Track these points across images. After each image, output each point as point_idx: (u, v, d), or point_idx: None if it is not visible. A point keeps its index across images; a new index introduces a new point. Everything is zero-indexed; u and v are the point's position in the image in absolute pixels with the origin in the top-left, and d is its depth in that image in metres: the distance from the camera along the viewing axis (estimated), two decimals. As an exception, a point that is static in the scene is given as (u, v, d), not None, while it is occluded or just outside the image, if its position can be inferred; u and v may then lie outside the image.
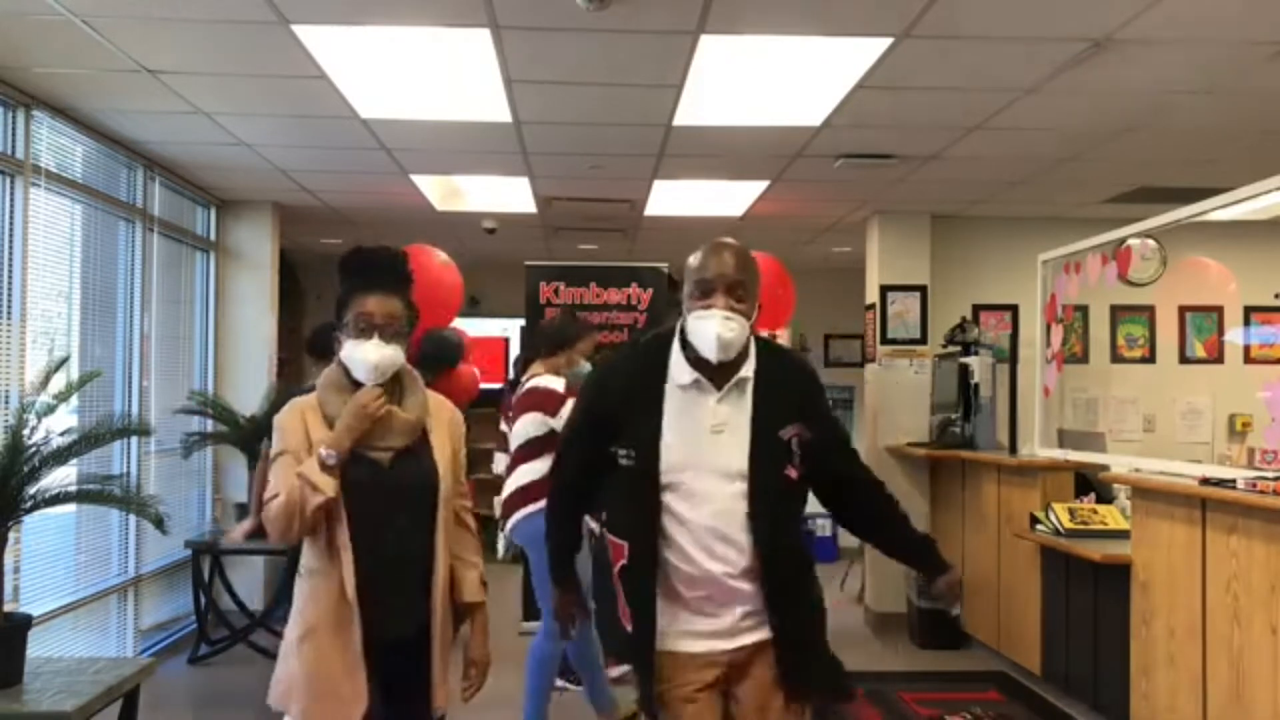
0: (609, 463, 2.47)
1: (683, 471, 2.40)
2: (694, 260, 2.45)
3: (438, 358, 6.29)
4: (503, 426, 4.94)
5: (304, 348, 4.87)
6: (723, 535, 2.39)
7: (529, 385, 4.49)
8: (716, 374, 2.43)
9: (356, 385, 2.56)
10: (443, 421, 2.67)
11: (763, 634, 2.45)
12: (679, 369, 2.44)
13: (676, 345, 2.47)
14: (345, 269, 2.64)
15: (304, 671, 2.49)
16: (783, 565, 2.44)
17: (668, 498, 2.40)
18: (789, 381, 2.50)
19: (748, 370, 2.44)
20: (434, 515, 2.56)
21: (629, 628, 2.46)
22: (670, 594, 2.44)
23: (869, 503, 2.62)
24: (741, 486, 2.39)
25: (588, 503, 2.71)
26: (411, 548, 2.54)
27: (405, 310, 2.61)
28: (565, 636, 2.95)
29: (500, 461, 5.40)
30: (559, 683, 4.73)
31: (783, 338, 4.76)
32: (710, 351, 2.37)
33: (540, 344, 4.65)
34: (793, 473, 2.43)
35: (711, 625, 2.44)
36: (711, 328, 2.36)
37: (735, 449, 2.40)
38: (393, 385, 2.60)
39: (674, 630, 2.44)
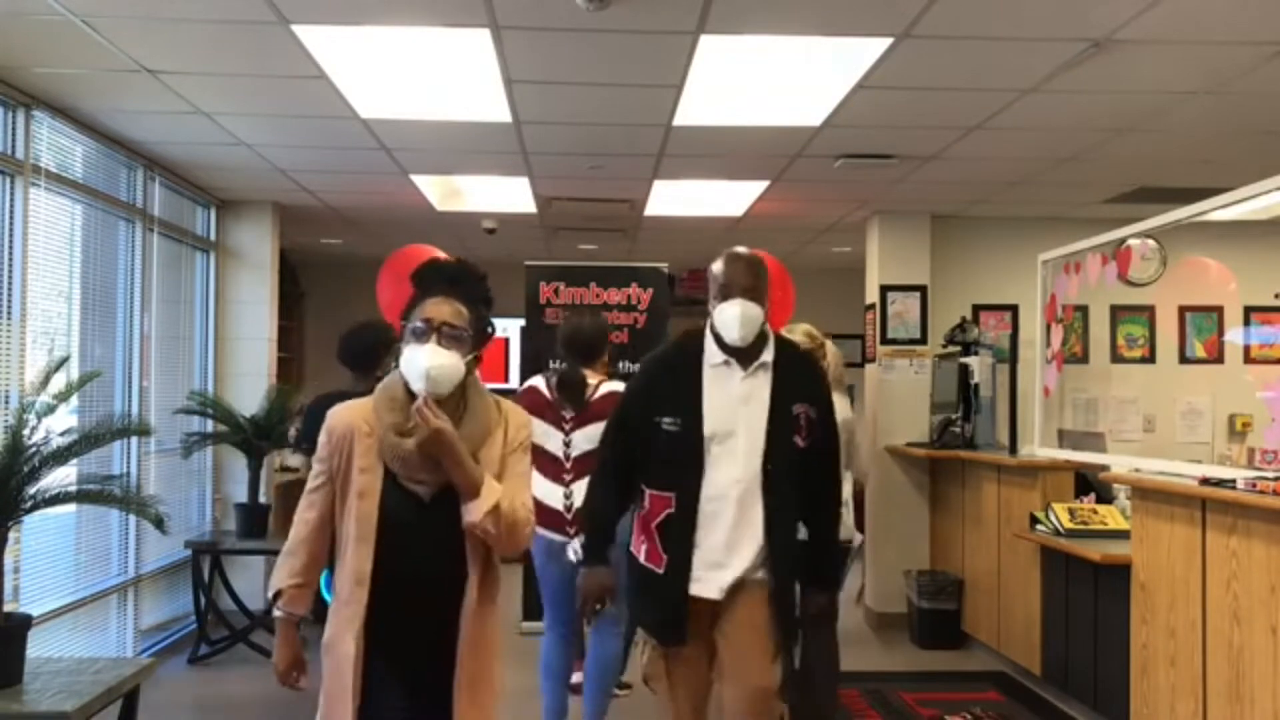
0: (653, 432, 3.01)
1: (717, 432, 2.98)
2: (716, 269, 3.06)
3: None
4: (548, 437, 4.30)
5: (336, 354, 4.56)
6: (745, 485, 2.96)
7: (608, 390, 4.20)
8: (742, 357, 3.03)
9: (412, 397, 2.41)
10: (496, 441, 2.51)
11: (754, 574, 2.97)
12: (712, 353, 3.05)
13: (709, 336, 3.08)
14: (414, 279, 2.57)
15: (323, 679, 2.51)
16: (785, 519, 3.02)
17: (707, 454, 2.96)
18: (801, 371, 3.13)
19: (768, 356, 3.05)
20: (466, 547, 2.45)
21: (659, 570, 2.98)
22: (700, 541, 2.97)
23: (815, 476, 3.11)
24: (761, 446, 2.97)
25: (633, 476, 3.12)
26: (441, 579, 2.44)
27: (473, 320, 2.48)
28: (586, 617, 3.35)
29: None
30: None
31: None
32: (734, 329, 2.96)
33: (591, 349, 4.33)
34: (799, 440, 3.02)
35: (718, 574, 2.96)
36: (735, 310, 2.97)
37: (757, 416, 3.00)
38: (456, 404, 2.45)
39: (697, 575, 2.96)
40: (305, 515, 2.54)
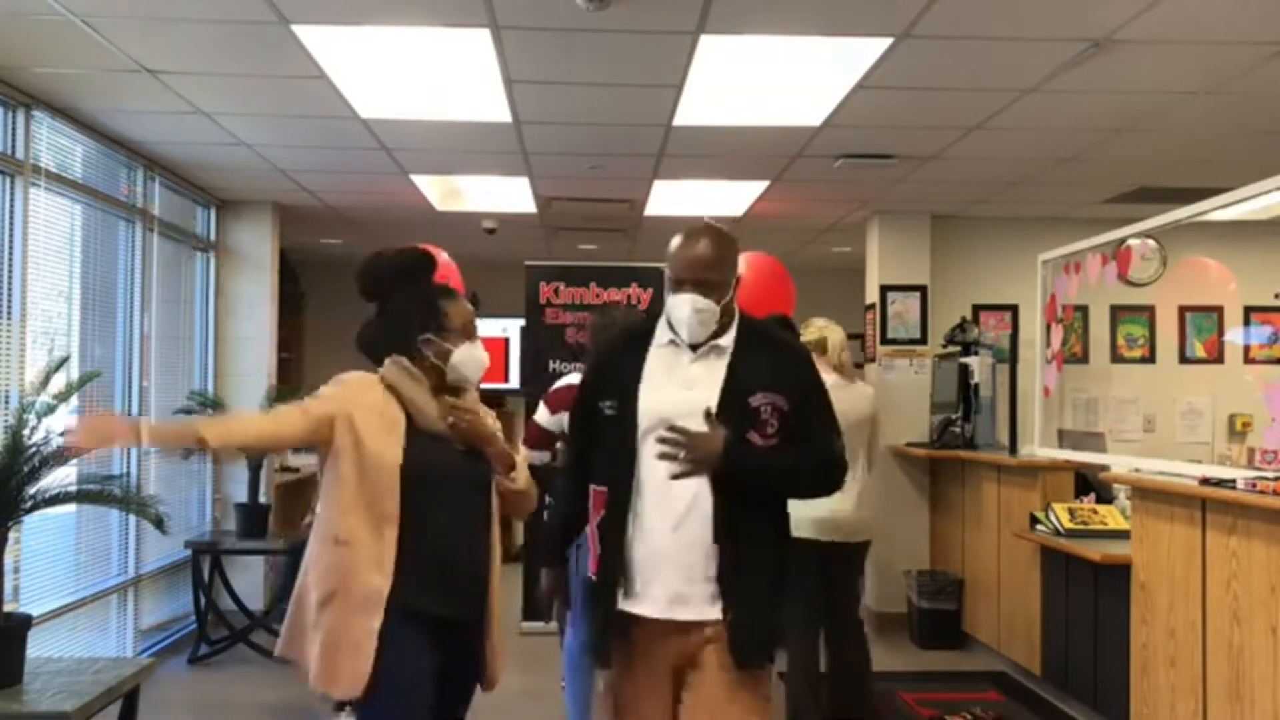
0: (598, 419, 2.61)
1: (654, 419, 2.51)
2: (671, 247, 2.65)
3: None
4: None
5: (357, 343, 4.56)
6: (688, 485, 2.48)
7: None
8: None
9: (439, 388, 2.74)
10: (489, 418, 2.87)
11: (713, 615, 2.48)
12: (661, 330, 2.63)
13: (664, 319, 2.64)
14: (421, 273, 2.81)
15: (324, 634, 2.59)
16: (740, 521, 2.49)
17: (643, 445, 2.52)
18: (768, 356, 2.60)
19: (725, 339, 2.59)
20: (491, 499, 2.79)
21: (595, 578, 2.58)
22: (636, 547, 2.52)
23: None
24: None
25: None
26: (473, 529, 2.73)
27: None
28: (547, 618, 3.05)
29: None
30: None
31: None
32: (683, 329, 2.56)
33: None
34: (759, 438, 2.51)
35: (666, 591, 2.49)
36: (684, 309, 2.54)
37: (705, 406, 2.50)
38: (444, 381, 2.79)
39: (635, 589, 2.52)
40: (291, 418, 2.66)
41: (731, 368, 2.55)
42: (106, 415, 2.61)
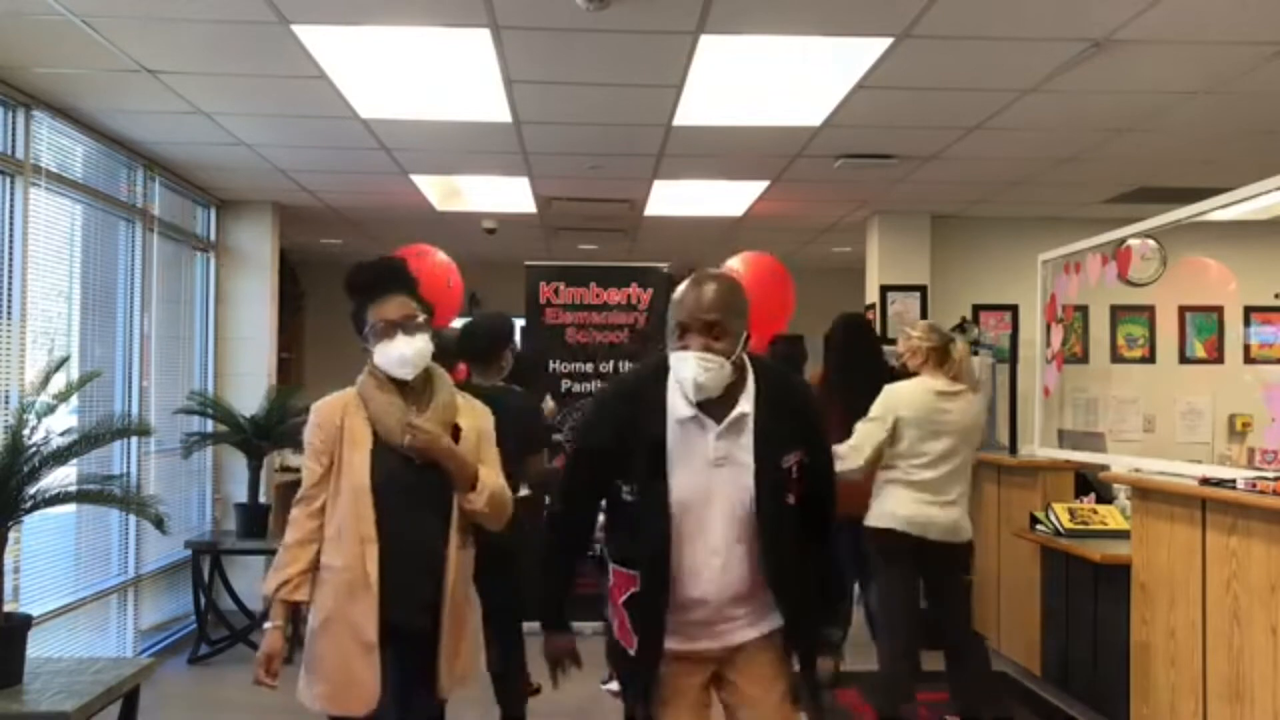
0: (612, 497, 2.51)
1: (690, 503, 2.42)
2: (676, 295, 2.47)
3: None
4: None
5: (459, 348, 4.31)
6: (727, 563, 2.45)
7: None
8: (714, 408, 2.42)
9: (394, 382, 2.74)
10: (475, 418, 2.84)
11: (755, 631, 2.53)
12: (677, 402, 2.44)
13: (672, 378, 2.45)
14: (353, 286, 2.80)
15: (322, 658, 2.67)
16: (791, 584, 2.51)
17: (676, 529, 2.42)
18: (789, 410, 2.50)
19: (745, 405, 2.44)
20: (451, 511, 2.73)
21: (631, 650, 2.51)
22: (673, 617, 2.49)
23: (811, 526, 2.56)
24: (749, 517, 2.43)
25: (587, 538, 2.71)
26: (430, 541, 2.71)
27: (419, 306, 2.78)
28: (554, 684, 2.75)
29: None
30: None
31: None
32: (689, 393, 2.39)
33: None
34: (793, 499, 2.48)
35: (706, 640, 2.53)
36: (688, 372, 2.37)
37: (739, 482, 2.43)
38: (424, 385, 2.77)
39: (671, 642, 2.51)
40: (308, 521, 2.71)
41: (759, 435, 2.43)
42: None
